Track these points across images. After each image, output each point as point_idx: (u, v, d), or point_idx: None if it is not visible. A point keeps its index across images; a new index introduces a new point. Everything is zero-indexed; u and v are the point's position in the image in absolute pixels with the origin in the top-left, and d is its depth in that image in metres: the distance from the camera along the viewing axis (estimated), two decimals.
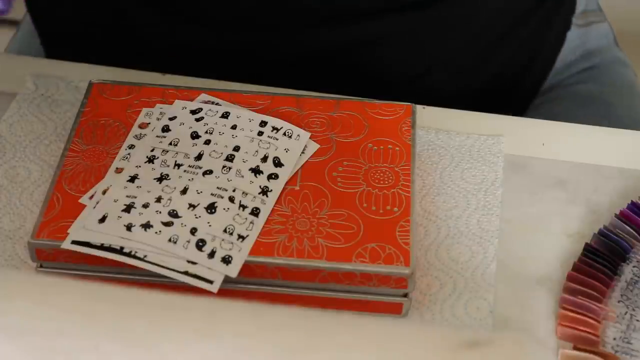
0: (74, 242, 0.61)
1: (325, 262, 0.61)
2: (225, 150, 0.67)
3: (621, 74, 0.94)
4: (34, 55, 0.91)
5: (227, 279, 0.60)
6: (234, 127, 0.68)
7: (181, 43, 0.85)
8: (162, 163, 0.66)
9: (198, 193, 0.64)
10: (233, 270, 0.60)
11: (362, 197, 0.65)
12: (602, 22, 0.95)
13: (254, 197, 0.64)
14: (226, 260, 0.60)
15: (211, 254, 0.60)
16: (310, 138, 0.69)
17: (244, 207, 0.63)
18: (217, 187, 0.64)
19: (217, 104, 0.71)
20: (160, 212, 0.62)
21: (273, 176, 0.66)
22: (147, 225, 0.62)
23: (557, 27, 0.91)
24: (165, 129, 0.68)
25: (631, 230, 0.68)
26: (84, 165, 0.66)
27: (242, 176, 0.65)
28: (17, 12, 1.27)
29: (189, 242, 0.61)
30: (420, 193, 0.70)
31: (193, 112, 0.70)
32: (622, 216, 0.69)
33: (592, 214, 0.71)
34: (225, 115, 0.69)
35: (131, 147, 0.67)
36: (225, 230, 0.62)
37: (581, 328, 0.63)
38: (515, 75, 0.90)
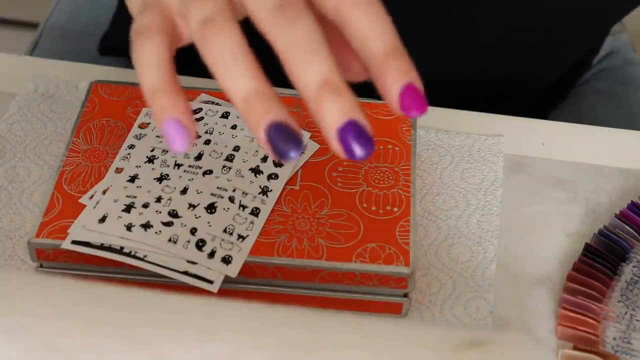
0: (74, 242, 0.61)
1: (325, 262, 0.61)
2: (225, 150, 0.67)
3: (637, 74, 1.01)
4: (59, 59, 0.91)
5: (227, 279, 0.60)
6: (233, 127, 0.68)
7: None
8: (162, 163, 0.66)
9: (198, 193, 0.64)
10: (233, 270, 0.60)
11: (362, 197, 0.65)
12: (622, 32, 1.03)
13: (254, 197, 0.64)
14: (226, 260, 0.60)
15: (211, 254, 0.60)
16: (310, 138, 0.69)
17: (244, 207, 0.63)
18: (217, 187, 0.64)
19: (217, 104, 0.71)
20: (160, 212, 0.62)
21: (273, 176, 0.66)
22: (147, 225, 0.62)
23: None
24: None
25: (631, 230, 0.68)
26: (84, 165, 0.66)
27: (242, 176, 0.65)
28: (35, 15, 1.27)
29: (189, 242, 0.61)
30: (420, 193, 0.70)
31: (193, 112, 0.70)
32: (622, 216, 0.69)
33: (592, 214, 0.71)
34: (225, 115, 0.69)
35: (131, 147, 0.67)
36: (225, 230, 0.62)
37: (581, 328, 0.63)
38: (525, 77, 0.91)
